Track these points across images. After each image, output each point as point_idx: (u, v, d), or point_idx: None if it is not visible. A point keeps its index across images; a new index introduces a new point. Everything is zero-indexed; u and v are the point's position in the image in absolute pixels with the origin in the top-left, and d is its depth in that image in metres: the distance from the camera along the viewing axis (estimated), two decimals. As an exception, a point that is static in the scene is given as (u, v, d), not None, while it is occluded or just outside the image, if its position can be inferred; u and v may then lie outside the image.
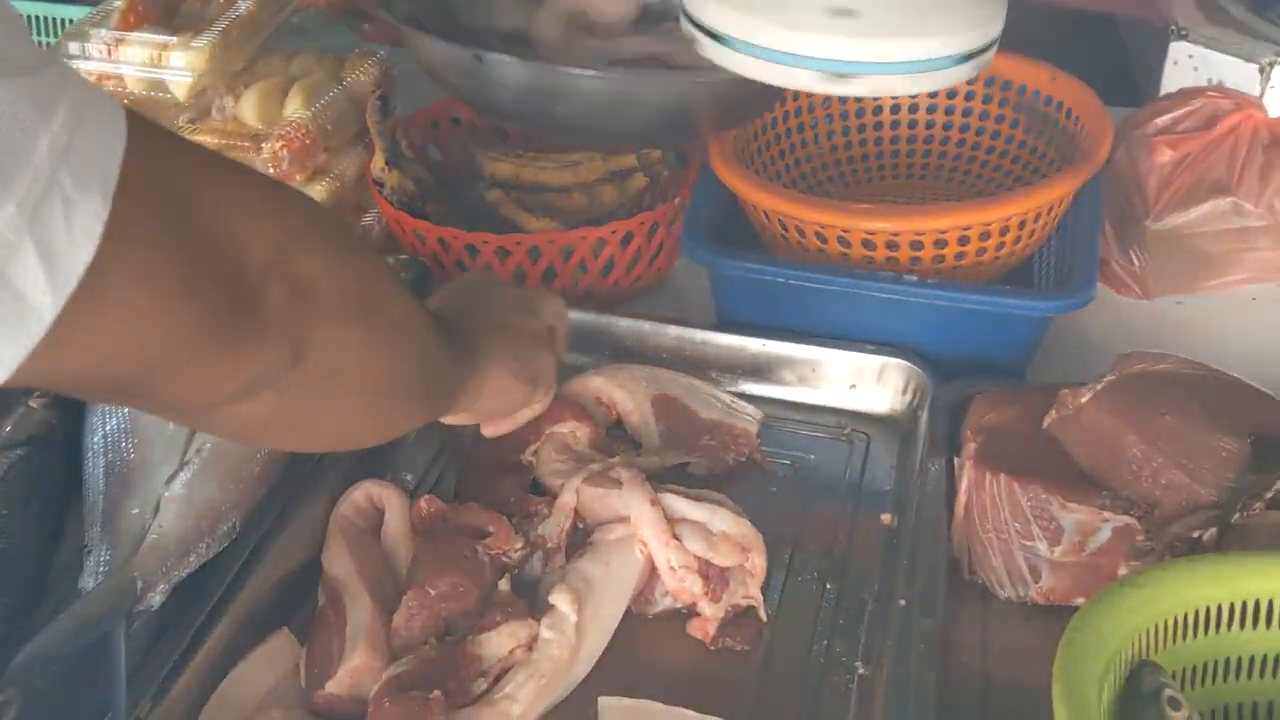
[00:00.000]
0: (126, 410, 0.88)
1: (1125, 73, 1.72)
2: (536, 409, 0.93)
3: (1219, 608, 0.71)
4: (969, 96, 1.24)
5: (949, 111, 1.25)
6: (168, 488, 0.84)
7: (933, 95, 1.24)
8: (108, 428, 0.88)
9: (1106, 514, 0.83)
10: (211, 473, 0.86)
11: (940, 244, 1.01)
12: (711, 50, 0.97)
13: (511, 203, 1.11)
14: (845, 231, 1.02)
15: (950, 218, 1.01)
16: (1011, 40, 1.26)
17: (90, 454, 0.87)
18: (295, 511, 0.90)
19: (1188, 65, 1.35)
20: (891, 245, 1.02)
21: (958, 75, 0.96)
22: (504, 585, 0.84)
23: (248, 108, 1.18)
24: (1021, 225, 1.03)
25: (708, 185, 1.11)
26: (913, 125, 1.27)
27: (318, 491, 0.92)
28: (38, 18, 1.51)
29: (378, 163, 1.15)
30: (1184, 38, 1.34)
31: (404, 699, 0.75)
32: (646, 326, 1.08)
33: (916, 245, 1.01)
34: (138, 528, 0.83)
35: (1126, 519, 0.82)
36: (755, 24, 0.93)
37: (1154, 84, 1.40)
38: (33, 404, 0.89)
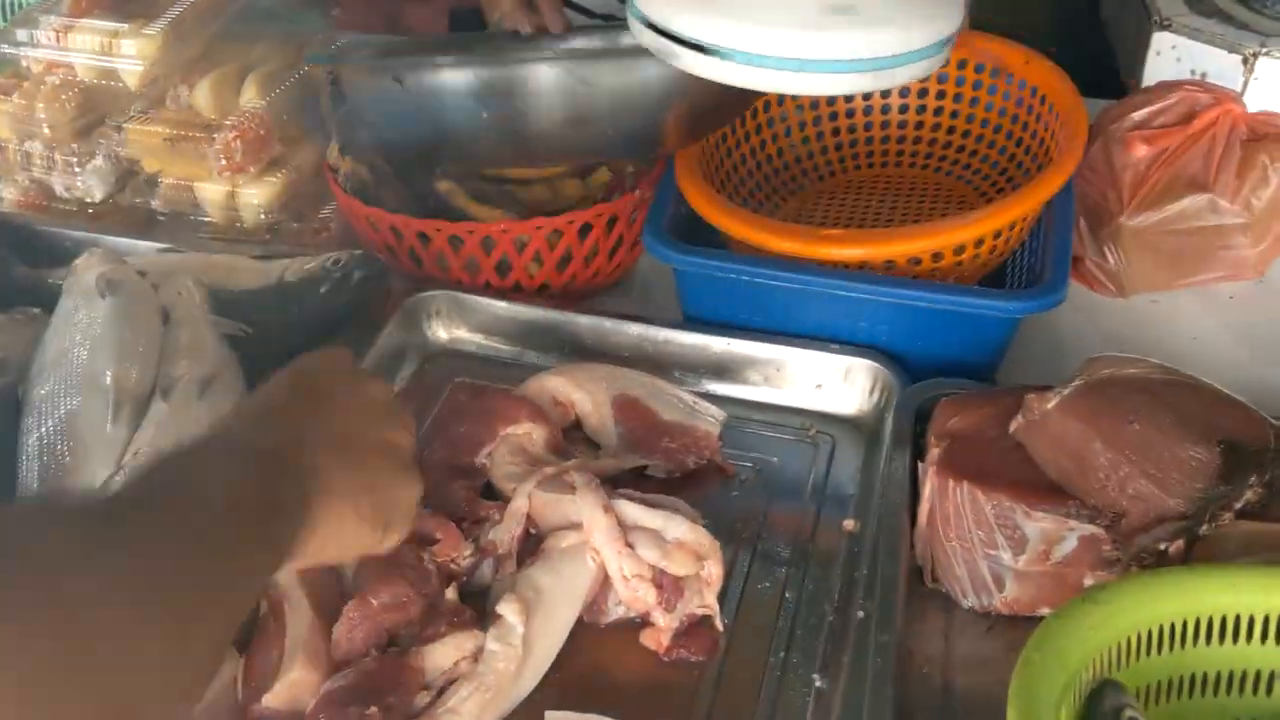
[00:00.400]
0: (63, 412, 0.86)
1: (1107, 63, 1.69)
2: (382, 550, 0.72)
3: (1184, 623, 0.69)
4: (941, 79, 1.21)
5: (921, 95, 1.23)
6: (104, 492, 0.81)
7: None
8: (43, 429, 0.85)
9: (1072, 523, 0.81)
10: (149, 477, 0.83)
11: (914, 260, 0.99)
12: (699, 63, 0.94)
13: (462, 193, 1.08)
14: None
15: (921, 240, 0.99)
16: (985, 25, 1.24)
17: (24, 457, 0.85)
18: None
19: (1170, 56, 1.33)
20: (862, 265, 1.00)
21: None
22: (451, 594, 0.82)
23: (201, 96, 1.15)
24: (996, 235, 1.00)
25: (672, 179, 1.08)
26: (885, 110, 1.24)
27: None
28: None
29: (333, 150, 1.12)
30: (1166, 28, 1.32)
31: (341, 714, 0.73)
32: (608, 324, 1.05)
33: (889, 265, 0.99)
34: (70, 534, 0.80)
35: (1093, 528, 0.80)
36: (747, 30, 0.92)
37: (1136, 75, 1.37)
38: (-35, 405, 0.86)
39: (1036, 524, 0.81)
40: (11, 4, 1.45)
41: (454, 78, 1.01)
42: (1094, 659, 0.66)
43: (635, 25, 0.98)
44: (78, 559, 0.49)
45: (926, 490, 0.86)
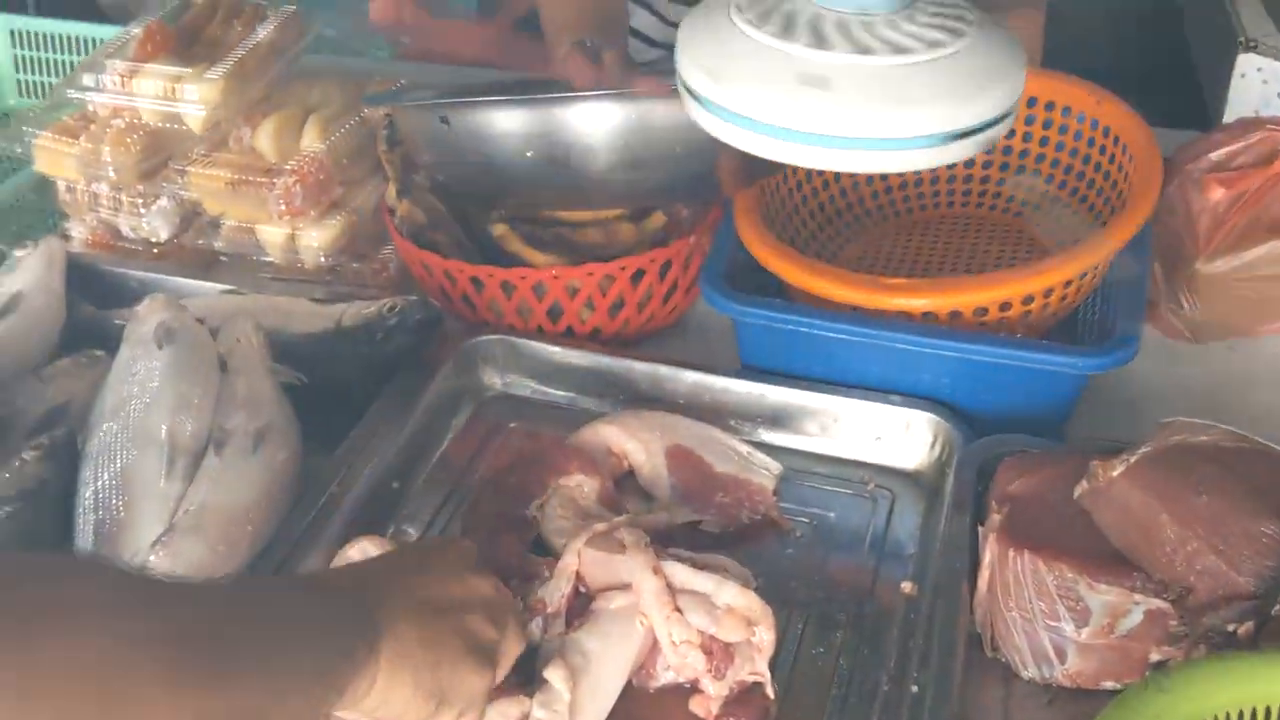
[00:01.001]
0: (119, 466, 0.86)
1: (1190, 87, 1.65)
2: None
3: (1252, 712, 0.66)
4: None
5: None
6: (155, 550, 0.82)
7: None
8: (99, 484, 0.86)
9: (1138, 596, 0.78)
10: (202, 534, 0.83)
11: (980, 311, 0.97)
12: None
13: (516, 238, 1.08)
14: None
15: (988, 291, 0.96)
16: (1068, 53, 1.20)
17: (80, 510, 0.85)
18: (292, 569, 0.87)
19: (1256, 79, 1.28)
20: (928, 315, 0.97)
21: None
22: (499, 655, 0.81)
23: (264, 139, 1.16)
24: (1067, 284, 0.97)
25: (731, 223, 1.07)
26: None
27: (315, 546, 0.89)
28: (73, 37, 1.51)
29: (390, 191, 1.12)
30: (1253, 49, 1.28)
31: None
32: (663, 370, 1.04)
33: (955, 315, 0.97)
34: (123, 591, 0.81)
35: (1159, 602, 0.77)
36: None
37: (1220, 98, 1.33)
38: (26, 456, 0.87)
39: (1100, 596, 0.78)
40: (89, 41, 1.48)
41: (499, 118, 1.00)
42: (1156, 754, 0.63)
43: (704, 115, 0.90)
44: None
45: (986, 557, 0.83)
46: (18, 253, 1.13)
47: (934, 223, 1.23)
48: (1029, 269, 0.97)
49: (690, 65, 0.88)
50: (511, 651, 0.74)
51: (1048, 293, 0.97)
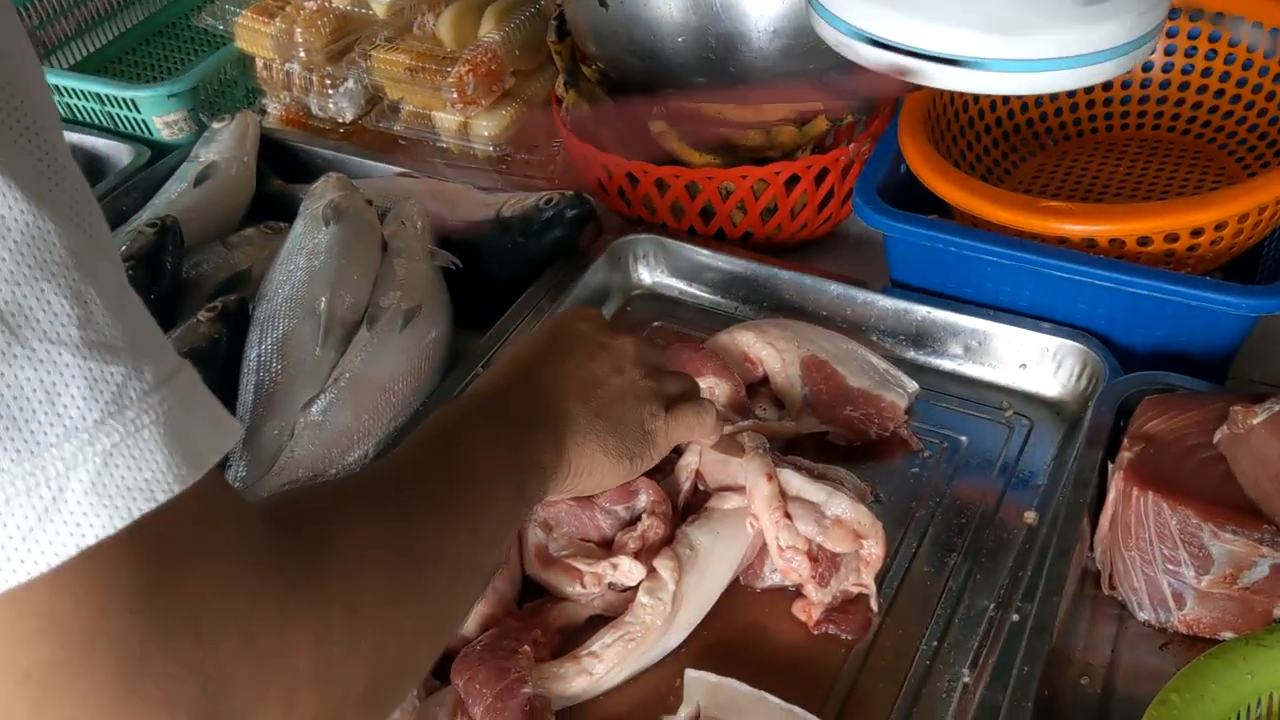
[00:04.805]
0: (280, 332, 0.93)
1: None
2: (633, 478, 0.79)
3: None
4: (1212, 37, 1.11)
5: (1189, 53, 1.13)
6: (304, 413, 0.88)
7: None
8: (262, 346, 0.92)
9: (1265, 549, 0.74)
10: (348, 402, 0.89)
11: (1144, 241, 0.92)
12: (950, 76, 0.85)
13: (674, 135, 1.08)
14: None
15: (1153, 220, 0.91)
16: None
17: (245, 370, 0.92)
18: (432, 441, 0.92)
19: None
20: (1089, 242, 0.93)
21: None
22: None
23: (444, 27, 1.19)
24: (1241, 219, 0.92)
25: (894, 135, 1.04)
26: (1147, 68, 1.15)
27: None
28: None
29: (559, 82, 1.14)
30: None
31: (498, 646, 0.77)
32: (807, 280, 1.04)
33: (1117, 242, 0.93)
34: (274, 448, 0.87)
35: (1288, 559, 0.74)
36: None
37: None
38: (200, 316, 0.94)
39: (1225, 546, 0.76)
40: None
41: (655, 2, 0.99)
42: (1243, 708, 0.61)
43: (852, 44, 0.87)
44: None
45: (1111, 494, 0.81)
46: (215, 124, 1.20)
47: (1119, 145, 1.18)
48: (1197, 200, 0.92)
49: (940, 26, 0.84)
50: (678, 383, 0.80)
51: (1219, 226, 0.92)
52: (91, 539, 0.38)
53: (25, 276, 0.37)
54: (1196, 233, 0.92)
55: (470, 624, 0.79)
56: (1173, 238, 0.93)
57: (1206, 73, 1.13)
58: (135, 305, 0.41)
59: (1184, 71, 1.14)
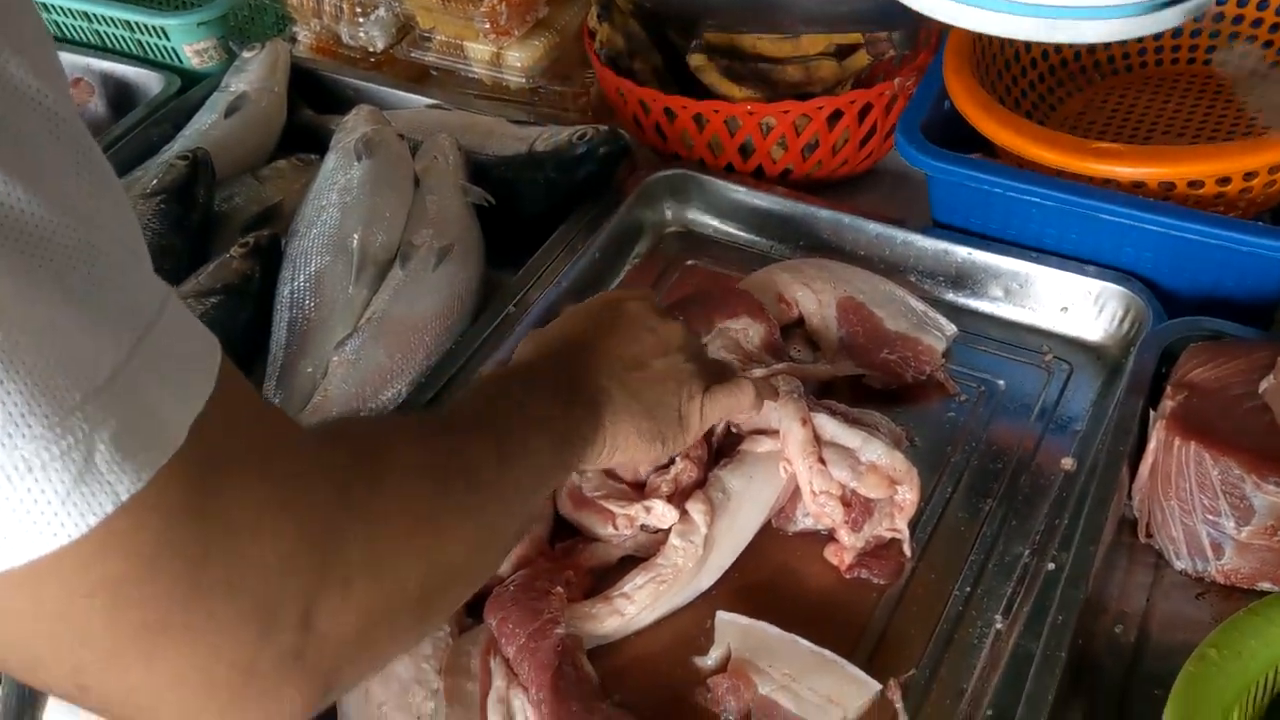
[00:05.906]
0: (313, 269, 0.92)
1: None
2: (663, 459, 0.80)
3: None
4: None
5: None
6: (338, 351, 0.87)
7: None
8: (295, 283, 0.92)
9: (1308, 502, 0.73)
10: (381, 340, 0.88)
11: (1195, 184, 0.90)
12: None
13: (714, 69, 1.05)
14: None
15: (1203, 163, 0.89)
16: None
17: (278, 307, 0.92)
18: (465, 379, 0.91)
19: None
20: (1136, 183, 0.91)
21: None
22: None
23: (477, -45, 1.16)
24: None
25: (939, 69, 1.02)
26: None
27: (493, 356, 0.92)
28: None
29: (592, 14, 1.12)
30: None
31: (530, 587, 0.77)
32: (846, 220, 1.02)
33: (1166, 184, 0.91)
34: (308, 386, 0.87)
35: (1331, 511, 0.73)
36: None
37: None
38: (233, 253, 0.93)
39: (1267, 497, 0.74)
40: None
41: None
42: (1282, 666, 0.61)
43: None
44: None
45: (1152, 442, 0.80)
46: (245, 54, 1.19)
47: (1169, 81, 1.14)
48: (1253, 142, 0.90)
49: None
50: (719, 366, 0.81)
51: (1274, 169, 0.90)
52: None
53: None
54: (1249, 175, 0.90)
55: (504, 564, 0.79)
56: (1224, 180, 0.90)
57: (1263, 4, 1.09)
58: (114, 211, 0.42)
59: (1239, 4, 1.11)
